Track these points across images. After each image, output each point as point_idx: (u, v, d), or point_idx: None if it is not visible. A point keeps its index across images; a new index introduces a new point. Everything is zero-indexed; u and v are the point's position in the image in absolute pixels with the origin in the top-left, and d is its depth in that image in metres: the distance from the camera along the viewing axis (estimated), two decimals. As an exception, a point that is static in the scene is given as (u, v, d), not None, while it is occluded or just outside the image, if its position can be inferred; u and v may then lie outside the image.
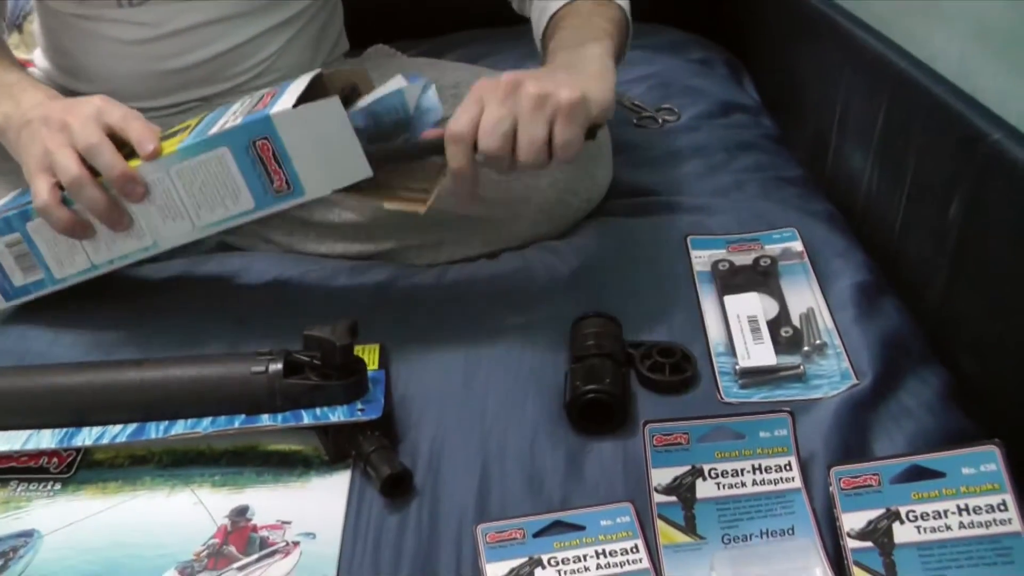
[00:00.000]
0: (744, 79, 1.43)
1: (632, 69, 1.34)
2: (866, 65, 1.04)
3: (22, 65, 1.00)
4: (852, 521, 0.62)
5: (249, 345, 0.82)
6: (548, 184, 0.97)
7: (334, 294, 0.94)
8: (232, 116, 0.81)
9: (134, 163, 0.80)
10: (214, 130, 0.79)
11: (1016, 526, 0.59)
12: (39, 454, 0.75)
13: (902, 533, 0.61)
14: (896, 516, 0.61)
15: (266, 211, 0.81)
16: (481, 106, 0.76)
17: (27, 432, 0.75)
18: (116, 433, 0.74)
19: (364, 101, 0.81)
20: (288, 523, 0.69)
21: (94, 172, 0.80)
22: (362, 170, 0.78)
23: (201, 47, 1.02)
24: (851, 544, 0.61)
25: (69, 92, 1.06)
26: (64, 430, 0.75)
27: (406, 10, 1.56)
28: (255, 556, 0.66)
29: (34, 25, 1.34)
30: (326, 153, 0.78)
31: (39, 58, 1.14)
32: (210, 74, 1.04)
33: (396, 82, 0.82)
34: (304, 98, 0.78)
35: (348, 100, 0.81)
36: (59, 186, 0.81)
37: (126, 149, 0.80)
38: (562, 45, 0.90)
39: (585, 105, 0.77)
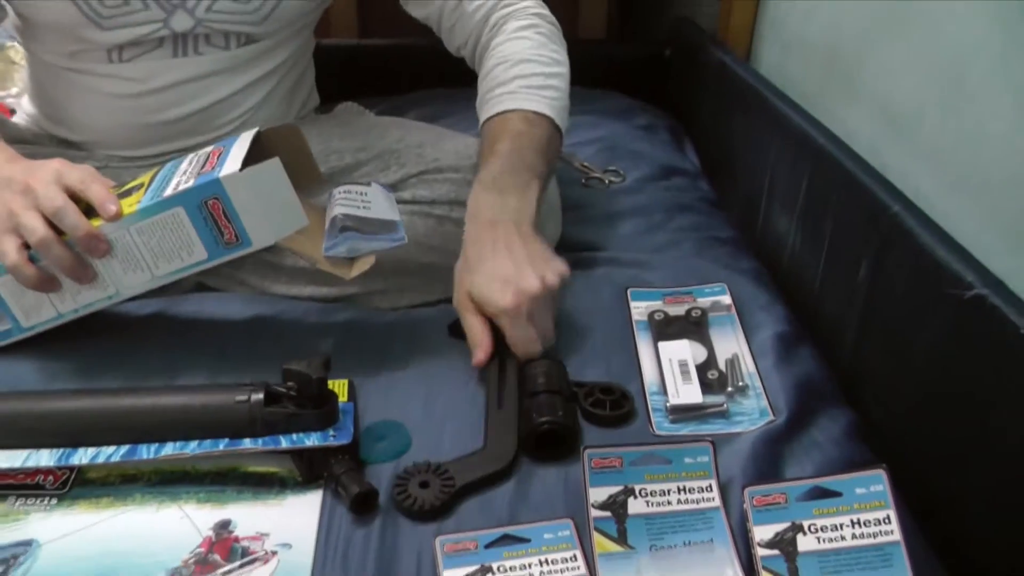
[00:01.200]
0: (685, 144, 1.54)
1: (582, 132, 1.45)
2: (792, 139, 1.15)
3: None
4: (762, 533, 0.71)
5: (227, 377, 0.90)
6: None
7: (306, 333, 1.01)
8: (183, 176, 0.88)
9: (95, 222, 0.87)
10: (168, 191, 0.87)
11: (896, 536, 0.68)
12: (36, 472, 0.82)
13: (804, 543, 0.70)
14: (800, 529, 0.70)
15: (218, 260, 0.89)
16: (531, 319, 0.89)
17: (26, 451, 0.81)
18: (110, 453, 0.81)
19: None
20: (267, 535, 0.76)
21: (58, 231, 0.86)
22: (300, 220, 0.88)
23: (185, 102, 1.09)
24: (761, 552, 0.70)
25: (55, 138, 1.14)
26: (61, 450, 0.82)
27: (370, 69, 1.65)
28: (237, 563, 0.74)
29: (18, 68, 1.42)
30: (269, 207, 0.87)
31: (27, 104, 1.20)
32: (193, 127, 1.11)
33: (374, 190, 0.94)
34: (248, 158, 0.87)
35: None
36: (25, 245, 0.88)
37: (82, 205, 0.87)
38: (494, 185, 0.97)
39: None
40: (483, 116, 1.06)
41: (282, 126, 0.96)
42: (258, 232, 0.88)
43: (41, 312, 0.94)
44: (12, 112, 1.30)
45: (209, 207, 0.86)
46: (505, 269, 0.90)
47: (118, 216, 0.86)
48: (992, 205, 0.83)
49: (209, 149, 0.93)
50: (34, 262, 0.88)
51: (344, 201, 0.93)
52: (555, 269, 0.92)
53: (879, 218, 0.91)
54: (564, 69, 1.10)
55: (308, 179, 0.96)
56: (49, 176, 0.87)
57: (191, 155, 0.93)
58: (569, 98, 1.09)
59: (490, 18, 1.12)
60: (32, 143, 1.13)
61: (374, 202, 0.94)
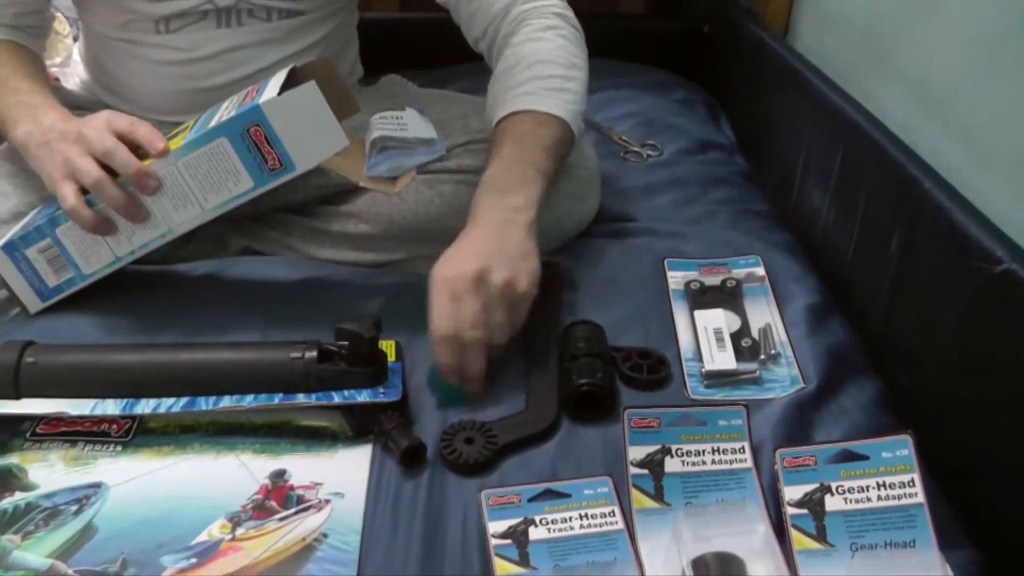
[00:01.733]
0: (721, 119, 1.56)
1: (620, 106, 1.47)
2: (827, 115, 1.18)
3: (49, 87, 1.09)
4: (792, 493, 0.75)
5: (277, 336, 0.94)
6: (545, 209, 1.09)
7: (351, 295, 1.05)
8: (225, 111, 0.93)
9: (146, 162, 0.92)
10: (212, 124, 0.92)
11: (920, 499, 0.72)
12: (102, 420, 0.87)
13: (832, 503, 0.73)
14: (828, 490, 0.74)
15: (263, 188, 0.93)
16: (455, 301, 0.86)
17: (93, 401, 0.86)
18: (171, 404, 0.86)
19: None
20: (320, 484, 0.81)
21: (111, 174, 0.92)
22: (341, 141, 0.91)
23: (230, 70, 1.13)
24: (790, 511, 0.74)
25: (108, 106, 1.18)
26: (125, 400, 0.86)
27: (412, 43, 1.67)
28: (293, 510, 0.78)
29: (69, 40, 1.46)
30: (309, 130, 0.90)
31: (81, 71, 1.24)
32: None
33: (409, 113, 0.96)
34: (284, 88, 0.91)
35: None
36: (82, 190, 0.93)
37: (137, 153, 0.92)
38: (494, 185, 0.97)
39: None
40: (496, 116, 1.03)
41: (315, 60, 1.00)
42: (301, 155, 0.91)
43: (100, 256, 0.98)
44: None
45: (251, 134, 0.90)
46: (464, 251, 0.90)
47: (165, 152, 0.91)
48: (1024, 182, 0.86)
49: (247, 89, 0.97)
50: (91, 206, 0.93)
51: (381, 125, 0.97)
52: (527, 271, 0.89)
53: (911, 193, 0.94)
54: (583, 74, 1.08)
55: (346, 108, 0.99)
56: (100, 123, 0.93)
57: (230, 97, 0.98)
58: (586, 103, 1.08)
59: (510, 12, 1.10)
60: (86, 108, 1.17)
61: (410, 123, 0.98)
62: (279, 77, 0.95)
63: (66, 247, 0.98)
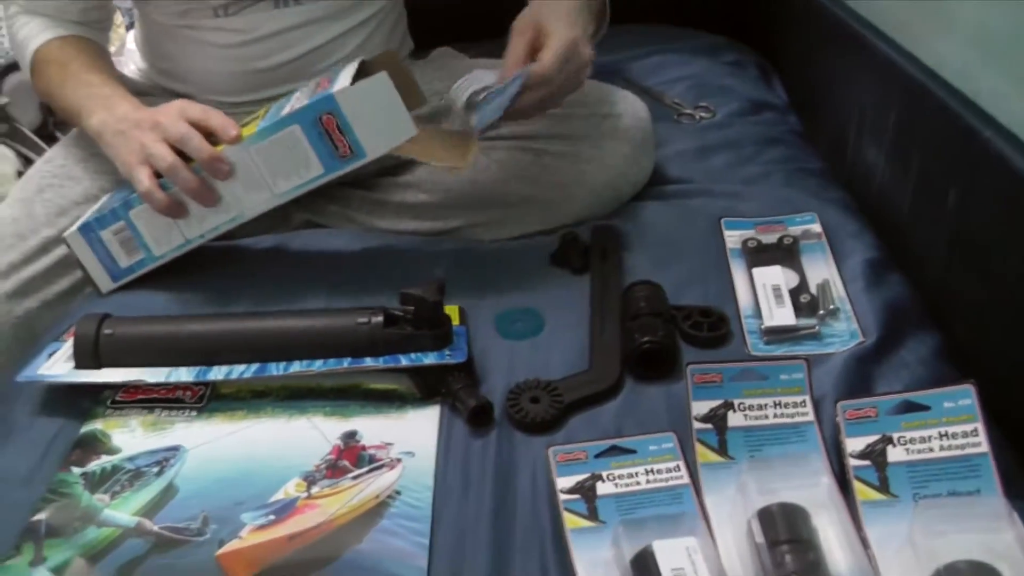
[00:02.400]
0: (773, 80, 1.55)
1: (672, 69, 1.48)
2: (881, 70, 1.17)
3: (118, 78, 1.13)
4: (854, 445, 0.75)
5: (340, 304, 0.96)
6: (600, 169, 1.11)
7: (413, 263, 1.07)
8: (297, 100, 0.96)
9: (219, 148, 0.95)
10: (285, 111, 0.94)
11: (984, 448, 0.72)
12: (176, 387, 0.90)
13: (894, 454, 0.74)
14: (889, 441, 0.75)
15: (333, 175, 0.96)
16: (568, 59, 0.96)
17: (168, 369, 0.90)
18: (243, 370, 0.89)
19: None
20: (391, 444, 0.83)
21: (185, 159, 0.95)
22: (409, 129, 0.94)
23: (287, 49, 1.15)
24: (853, 463, 0.75)
25: (167, 91, 1.21)
26: (198, 368, 0.90)
27: (460, 15, 1.68)
28: (366, 468, 0.81)
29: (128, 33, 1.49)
30: (380, 119, 0.93)
31: (139, 60, 1.27)
32: (294, 72, 1.16)
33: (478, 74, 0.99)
34: (356, 79, 0.94)
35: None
36: (156, 175, 0.96)
37: (208, 140, 0.95)
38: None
39: None
40: None
41: (382, 53, 1.03)
42: (371, 142, 0.94)
43: (171, 239, 1.01)
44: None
45: (323, 123, 0.93)
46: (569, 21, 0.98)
47: (238, 138, 0.94)
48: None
49: (318, 78, 1.00)
50: (165, 190, 0.96)
51: (461, 89, 0.98)
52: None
53: (970, 144, 0.94)
54: None
55: (413, 99, 1.01)
56: (174, 111, 0.96)
57: (302, 86, 1.01)
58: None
59: None
60: (146, 94, 1.20)
61: (483, 77, 0.98)
62: (351, 68, 0.97)
63: (139, 229, 1.01)
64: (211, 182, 0.96)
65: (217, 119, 0.95)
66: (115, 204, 1.01)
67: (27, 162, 1.64)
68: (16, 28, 1.13)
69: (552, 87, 0.97)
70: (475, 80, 0.97)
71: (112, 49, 1.69)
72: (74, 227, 1.02)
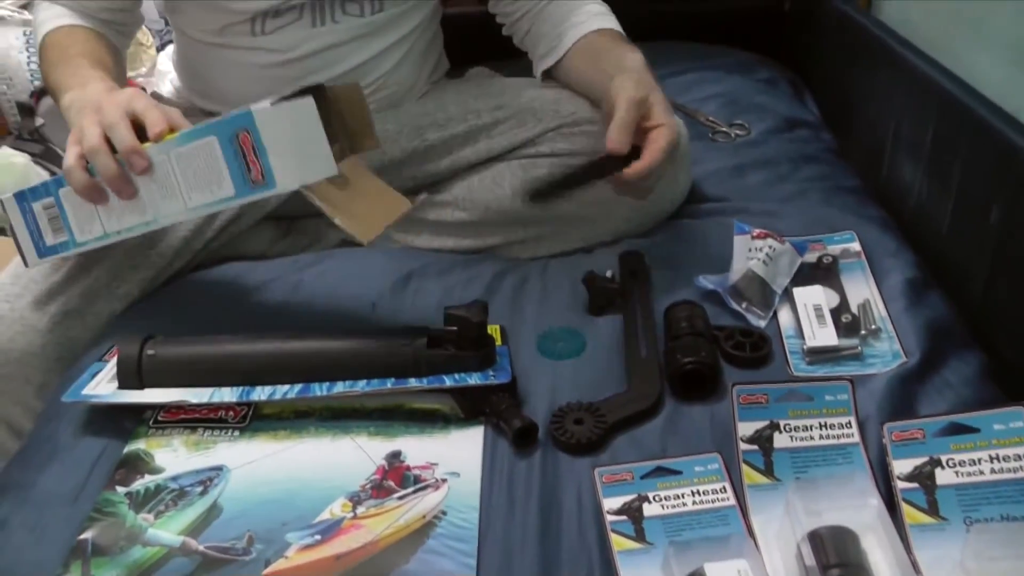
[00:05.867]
0: (806, 97, 1.55)
1: (705, 87, 1.48)
2: (917, 86, 1.17)
3: (115, 72, 1.09)
4: (901, 467, 0.75)
5: (382, 324, 0.97)
6: None
7: (452, 282, 1.07)
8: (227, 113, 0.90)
9: (146, 145, 0.91)
10: (207, 122, 0.90)
11: (1038, 471, 0.72)
12: (220, 407, 0.90)
13: (943, 477, 0.74)
14: (938, 463, 0.74)
15: (243, 199, 0.89)
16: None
17: (211, 389, 0.90)
18: (286, 391, 0.89)
19: None
20: (435, 464, 0.83)
21: (114, 149, 0.91)
22: (329, 168, 0.86)
23: (325, 68, 1.14)
24: (901, 485, 0.74)
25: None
26: (241, 388, 0.90)
27: (494, 36, 1.69)
28: (411, 489, 0.81)
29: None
30: (298, 149, 0.86)
31: (174, 78, 1.28)
32: None
33: None
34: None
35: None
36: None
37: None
38: (616, 65, 1.05)
39: None
40: (575, 35, 1.14)
41: (344, 85, 0.97)
42: (284, 173, 0.87)
43: (92, 228, 0.97)
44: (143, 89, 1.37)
45: (240, 140, 0.87)
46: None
47: (159, 137, 0.90)
48: None
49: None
50: (92, 175, 0.93)
51: None
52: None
53: (1013, 162, 0.93)
54: None
55: (363, 140, 0.97)
56: (120, 99, 0.93)
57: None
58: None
59: None
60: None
61: None
62: (290, 88, 0.90)
63: (65, 209, 0.97)
64: (130, 176, 0.92)
65: (152, 116, 0.91)
66: (50, 179, 0.98)
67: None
68: (38, 11, 1.12)
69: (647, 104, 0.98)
70: None
71: (143, 71, 1.70)
72: (11, 192, 1.00)
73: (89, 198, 0.94)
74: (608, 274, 1.04)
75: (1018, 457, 0.73)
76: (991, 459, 0.74)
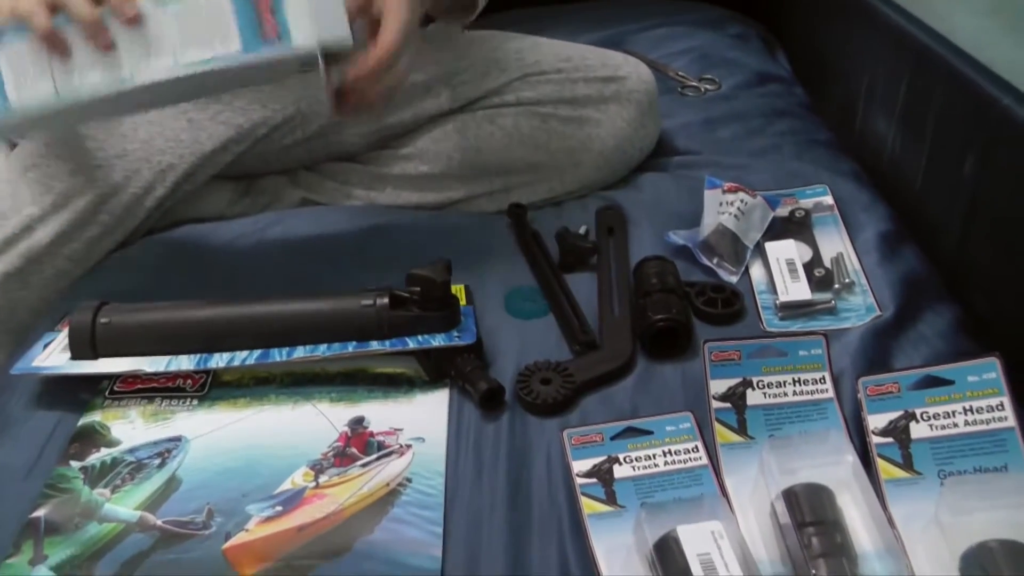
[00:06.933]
0: (778, 52, 1.53)
1: (675, 42, 1.45)
2: (890, 39, 1.15)
3: None
4: (876, 421, 0.74)
5: (343, 284, 0.94)
6: (608, 133, 1.09)
7: (415, 238, 1.04)
8: None
9: None
10: None
11: (1011, 423, 0.70)
12: (177, 375, 0.87)
13: (917, 430, 0.72)
14: (912, 417, 0.73)
15: (248, 58, 0.82)
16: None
17: (167, 357, 0.87)
18: (245, 357, 0.86)
19: None
20: (400, 430, 0.81)
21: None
22: (343, 30, 0.82)
23: None
24: (875, 440, 0.73)
25: None
26: (199, 355, 0.87)
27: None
28: (374, 456, 0.79)
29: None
30: (316, 7, 0.81)
31: None
32: None
33: None
34: None
35: None
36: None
37: None
38: None
39: None
40: None
41: None
42: (301, 29, 0.82)
43: (39, 88, 0.82)
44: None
45: None
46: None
47: None
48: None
49: None
50: None
51: None
52: None
53: (987, 112, 0.91)
54: None
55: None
56: None
57: None
58: None
59: None
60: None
61: None
62: None
63: (2, 69, 0.83)
64: (109, 28, 0.81)
65: None
66: None
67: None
68: None
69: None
70: None
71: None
72: None
73: (52, 47, 0.80)
74: (582, 230, 1.02)
75: (991, 408, 0.71)
76: (965, 411, 0.72)
